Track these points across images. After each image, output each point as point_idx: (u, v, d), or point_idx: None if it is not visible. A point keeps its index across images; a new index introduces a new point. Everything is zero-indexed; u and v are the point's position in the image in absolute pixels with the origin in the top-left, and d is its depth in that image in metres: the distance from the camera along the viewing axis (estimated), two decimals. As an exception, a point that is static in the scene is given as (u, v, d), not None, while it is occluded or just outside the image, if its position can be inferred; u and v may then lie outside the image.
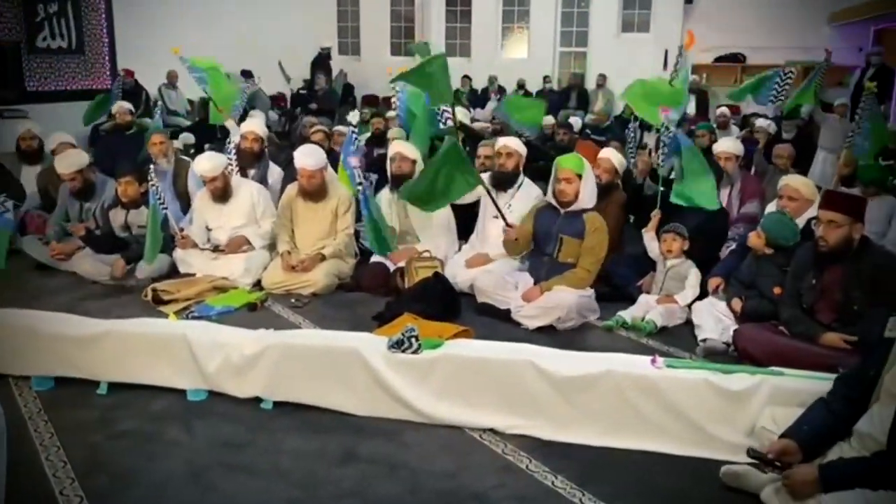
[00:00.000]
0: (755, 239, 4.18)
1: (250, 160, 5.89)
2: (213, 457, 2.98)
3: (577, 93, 14.24)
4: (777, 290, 3.95)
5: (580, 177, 4.47)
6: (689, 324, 4.44)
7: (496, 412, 3.15)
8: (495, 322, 4.43)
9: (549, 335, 4.25)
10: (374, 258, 5.17)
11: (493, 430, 3.14)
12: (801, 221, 4.29)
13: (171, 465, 2.92)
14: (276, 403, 3.37)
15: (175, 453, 3.01)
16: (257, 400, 3.40)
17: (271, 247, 5.31)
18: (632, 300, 4.68)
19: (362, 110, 11.62)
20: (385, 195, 5.40)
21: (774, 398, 2.94)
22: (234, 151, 5.88)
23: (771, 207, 4.70)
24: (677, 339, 4.28)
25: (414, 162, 5.31)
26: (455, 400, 3.19)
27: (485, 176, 5.30)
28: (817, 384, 2.88)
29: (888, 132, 6.71)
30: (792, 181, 4.46)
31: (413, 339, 3.24)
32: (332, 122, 11.02)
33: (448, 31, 16.38)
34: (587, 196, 4.50)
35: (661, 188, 5.15)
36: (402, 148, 5.36)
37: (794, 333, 3.71)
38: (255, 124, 6.15)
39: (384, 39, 16.75)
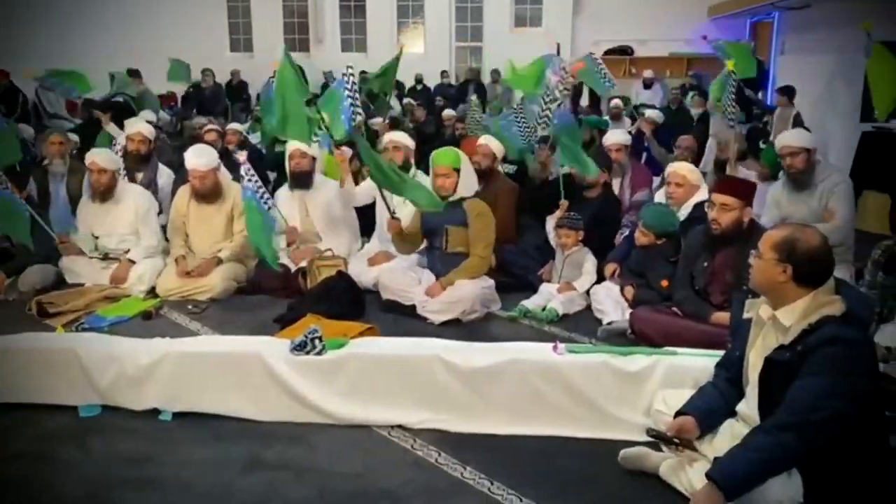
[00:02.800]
0: (641, 237, 4.35)
1: (138, 162, 5.64)
2: (112, 474, 2.85)
3: (474, 87, 14.39)
4: (664, 283, 4.12)
5: (457, 170, 4.51)
6: (589, 309, 4.57)
7: (404, 408, 3.15)
8: (401, 318, 4.42)
9: (455, 328, 4.27)
10: (275, 259, 5.05)
11: (401, 427, 3.13)
12: (688, 206, 4.49)
13: (68, 486, 2.78)
14: (175, 414, 3.25)
15: (72, 473, 2.86)
16: (155, 412, 3.27)
17: (166, 252, 5.11)
18: (533, 289, 4.77)
19: (256, 108, 11.37)
20: (284, 193, 5.28)
21: (669, 377, 3.06)
22: (120, 154, 5.62)
23: (660, 193, 4.89)
24: (579, 325, 4.40)
25: (313, 159, 5.23)
26: (362, 399, 3.16)
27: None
28: (709, 361, 3.00)
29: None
30: (678, 168, 4.65)
31: (316, 341, 3.19)
32: (226, 120, 10.74)
33: (343, 26, 16.22)
34: (464, 186, 4.55)
35: (564, 177, 5.29)
36: (300, 145, 5.25)
37: (687, 314, 3.88)
38: (142, 125, 5.89)
39: (277, 35, 16.40)
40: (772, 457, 2.25)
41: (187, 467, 2.89)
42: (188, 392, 3.26)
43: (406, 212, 4.80)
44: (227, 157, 6.34)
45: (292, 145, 5.23)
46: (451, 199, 4.50)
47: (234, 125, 8.02)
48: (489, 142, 5.57)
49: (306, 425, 3.16)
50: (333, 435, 3.10)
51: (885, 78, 5.46)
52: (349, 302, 4.40)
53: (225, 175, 5.14)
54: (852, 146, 7.56)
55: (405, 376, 3.15)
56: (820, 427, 2.23)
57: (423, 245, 4.81)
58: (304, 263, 4.87)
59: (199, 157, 4.84)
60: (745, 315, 2.61)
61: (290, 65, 4.61)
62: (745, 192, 3.75)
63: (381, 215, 5.23)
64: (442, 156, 4.58)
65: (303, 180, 5.11)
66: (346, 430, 3.13)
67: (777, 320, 2.43)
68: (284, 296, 4.72)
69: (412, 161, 5.30)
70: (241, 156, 4.81)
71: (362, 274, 4.83)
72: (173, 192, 5.37)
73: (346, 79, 5.23)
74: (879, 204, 6.39)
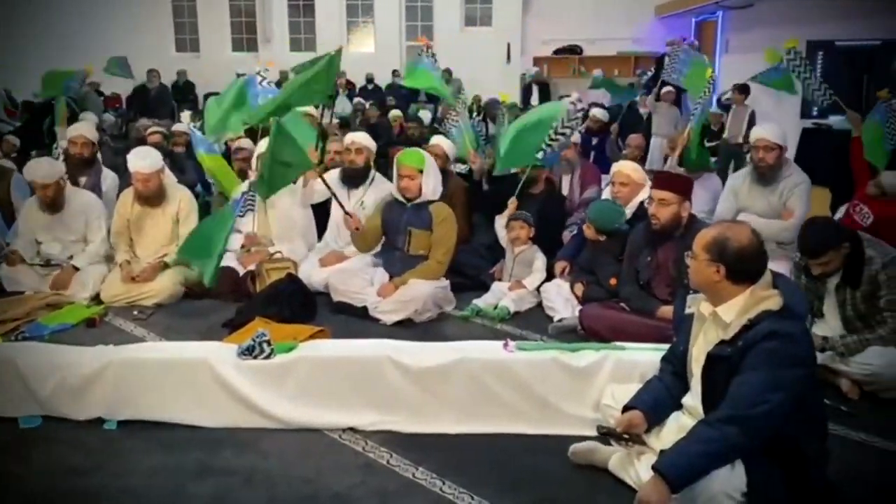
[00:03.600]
0: (587, 230, 4.40)
1: (81, 166, 5.49)
2: (56, 487, 2.77)
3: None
4: (613, 282, 4.18)
5: (421, 171, 4.50)
6: (540, 307, 4.61)
7: (355, 411, 3.13)
8: (353, 320, 4.39)
9: (407, 329, 4.26)
10: (223, 262, 4.96)
11: (352, 429, 3.11)
12: (633, 204, 4.56)
13: (9, 501, 2.70)
14: (120, 423, 3.17)
15: (12, 487, 2.77)
16: (100, 421, 3.18)
17: (109, 258, 4.99)
18: (486, 288, 4.80)
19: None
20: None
21: (617, 371, 3.11)
22: (62, 157, 5.47)
23: (606, 192, 4.95)
24: (530, 323, 4.43)
25: None
26: (312, 402, 3.14)
27: (335, 172, 5.26)
28: (656, 355, 3.05)
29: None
30: (623, 167, 4.71)
31: (265, 344, 3.15)
32: (172, 121, 10.54)
33: (291, 25, 16.08)
34: (430, 189, 4.54)
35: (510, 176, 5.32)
36: (247, 146, 5.18)
37: (634, 309, 3.95)
38: (84, 128, 5.74)
39: (224, 35, 16.20)
40: (716, 449, 2.29)
41: (134, 477, 2.82)
42: (133, 400, 3.18)
43: (367, 210, 4.78)
44: (172, 159, 6.23)
45: (258, 149, 5.15)
46: (417, 201, 4.49)
47: (179, 126, 7.89)
48: (441, 142, 5.58)
49: (256, 430, 3.11)
50: (284, 439, 3.06)
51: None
52: (299, 305, 4.36)
53: (170, 177, 5.03)
54: (794, 142, 7.77)
55: (355, 378, 3.13)
56: (762, 420, 2.28)
57: (380, 245, 4.80)
58: (252, 266, 4.80)
59: (142, 160, 4.73)
60: (687, 311, 2.67)
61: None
62: (682, 187, 3.83)
63: (335, 216, 5.20)
64: (407, 157, 4.55)
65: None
66: (297, 434, 3.09)
67: (717, 316, 2.48)
68: (233, 299, 4.66)
69: (372, 162, 5.27)
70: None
71: (313, 276, 4.79)
72: (117, 196, 5.25)
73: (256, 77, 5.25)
74: (821, 198, 6.55)
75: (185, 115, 5.98)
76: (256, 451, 3.00)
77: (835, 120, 6.87)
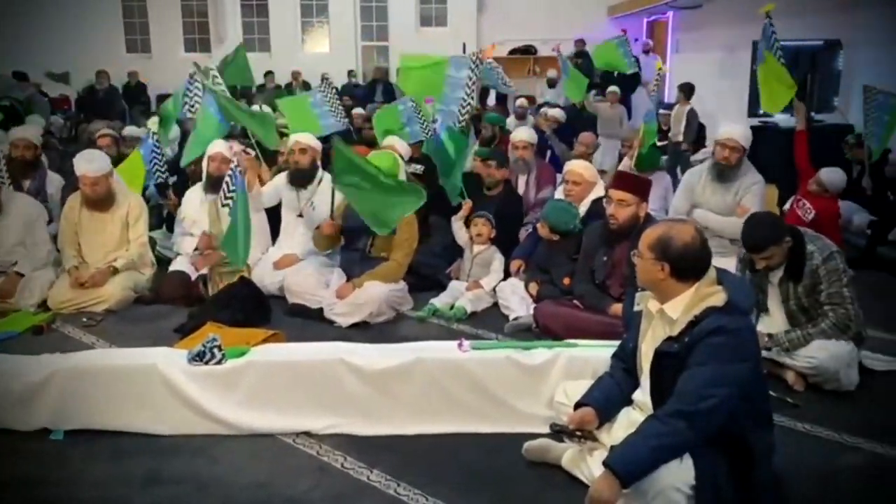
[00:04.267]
0: (541, 228, 4.44)
1: (24, 170, 5.35)
2: (2, 499, 2.70)
3: (382, 86, 14.34)
4: (566, 281, 4.22)
5: (394, 175, 4.49)
6: (496, 306, 4.63)
7: (309, 414, 3.11)
8: (308, 322, 4.36)
9: (363, 330, 4.25)
10: (173, 266, 4.90)
11: (306, 433, 3.09)
12: (586, 203, 4.60)
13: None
14: (68, 433, 3.10)
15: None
16: (46, 431, 3.11)
17: (57, 263, 4.87)
18: (443, 288, 4.80)
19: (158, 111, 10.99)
20: (197, 195, 5.09)
21: (570, 368, 3.13)
22: (3, 161, 5.31)
23: (559, 191, 5.00)
24: (486, 322, 4.45)
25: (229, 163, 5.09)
26: (265, 407, 3.10)
27: (284, 174, 5.22)
28: (607, 352, 3.08)
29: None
30: (574, 166, 4.76)
31: (216, 350, 3.11)
32: (123, 123, 10.34)
33: (245, 25, 15.89)
34: None
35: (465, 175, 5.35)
36: (221, 148, 5.10)
37: (588, 306, 3.99)
38: (27, 130, 5.59)
39: (176, 35, 15.94)
40: (665, 444, 2.33)
41: (82, 487, 2.77)
42: (81, 409, 3.11)
43: (320, 212, 4.76)
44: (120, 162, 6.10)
45: (213, 148, 5.08)
46: None
47: (131, 129, 7.74)
48: (394, 142, 5.57)
49: (208, 437, 3.07)
50: (236, 445, 3.03)
51: (773, 82, 5.73)
52: (253, 308, 4.31)
53: (118, 181, 4.93)
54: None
55: (308, 382, 3.11)
56: (709, 414, 2.32)
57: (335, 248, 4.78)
58: (205, 270, 4.73)
59: (89, 163, 4.62)
60: (636, 308, 2.70)
61: None
62: (640, 188, 3.89)
63: (286, 218, 5.15)
64: (378, 160, 4.53)
65: (217, 184, 4.96)
66: (249, 439, 3.06)
67: (664, 313, 2.51)
68: (185, 304, 4.58)
69: (318, 163, 5.23)
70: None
71: (266, 278, 4.75)
72: (63, 200, 5.13)
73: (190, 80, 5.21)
74: (768, 194, 6.71)
75: (153, 121, 5.87)
76: (209, 457, 2.96)
77: (781, 118, 7.03)
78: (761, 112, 7.14)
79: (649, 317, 2.64)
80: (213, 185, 4.93)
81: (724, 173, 4.72)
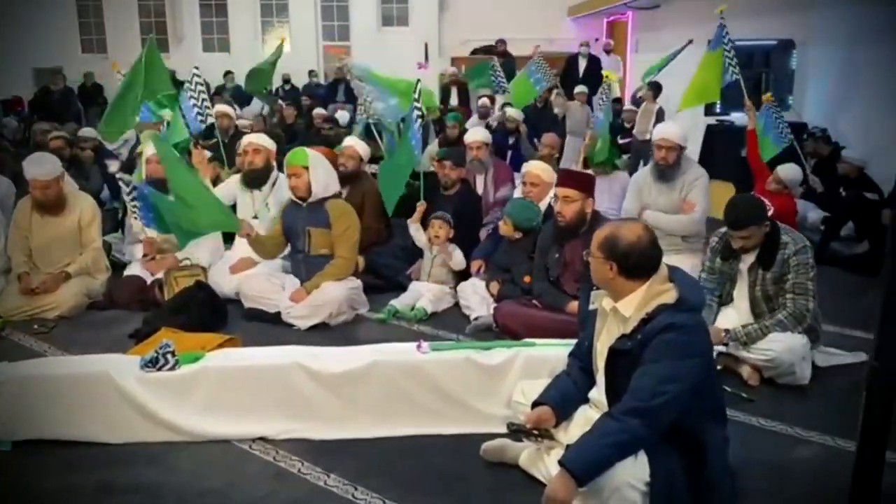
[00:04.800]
0: (503, 226, 4.44)
1: (-29, 173, 5.21)
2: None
3: (344, 86, 14.25)
4: (527, 279, 4.23)
5: (306, 168, 4.39)
6: (457, 306, 4.63)
7: (265, 420, 3.06)
8: (266, 326, 4.32)
9: (322, 333, 4.22)
10: (129, 271, 4.81)
11: (263, 439, 3.04)
12: (544, 204, 4.62)
13: None
14: (16, 443, 3.01)
15: None
16: (-6, 443, 3.03)
17: (7, 269, 4.74)
18: (403, 289, 4.78)
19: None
20: None
21: (529, 368, 3.14)
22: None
23: (518, 192, 5.01)
24: (447, 323, 4.45)
25: None
26: (220, 413, 3.05)
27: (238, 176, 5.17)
28: (565, 351, 3.08)
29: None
30: (532, 167, 4.78)
31: (169, 356, 3.05)
32: (79, 125, 10.14)
33: (204, 25, 15.69)
34: (321, 186, 4.42)
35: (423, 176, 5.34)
36: (151, 150, 5.02)
37: (545, 305, 4.01)
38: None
39: (133, 35, 15.65)
40: (619, 441, 2.34)
41: (31, 500, 2.69)
42: (30, 418, 3.02)
43: (272, 212, 4.69)
44: (76, 166, 5.99)
45: (149, 150, 4.99)
46: (311, 200, 4.42)
47: (86, 130, 7.58)
48: (354, 143, 5.54)
49: (162, 445, 3.01)
50: (191, 452, 2.97)
51: (701, 82, 5.86)
52: (209, 313, 4.25)
53: (71, 185, 4.82)
54: (698, 139, 8.05)
55: (264, 386, 3.07)
56: (661, 410, 2.34)
57: (287, 250, 4.72)
58: (160, 274, 4.65)
59: (38, 167, 4.51)
60: (591, 307, 2.72)
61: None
62: (585, 184, 3.93)
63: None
64: (292, 156, 4.48)
65: (162, 186, 4.88)
66: (205, 446, 3.01)
67: (618, 311, 2.53)
68: (140, 309, 4.50)
69: (273, 163, 5.18)
70: (114, 165, 4.57)
71: (223, 282, 4.68)
72: (15, 204, 5.00)
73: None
74: (724, 192, 6.81)
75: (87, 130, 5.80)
76: (163, 465, 2.90)
77: (736, 116, 7.15)
78: (718, 110, 7.24)
79: (604, 315, 2.66)
80: (156, 187, 4.87)
81: (665, 173, 4.82)
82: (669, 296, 2.45)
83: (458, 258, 4.75)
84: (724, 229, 3.69)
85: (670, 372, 2.35)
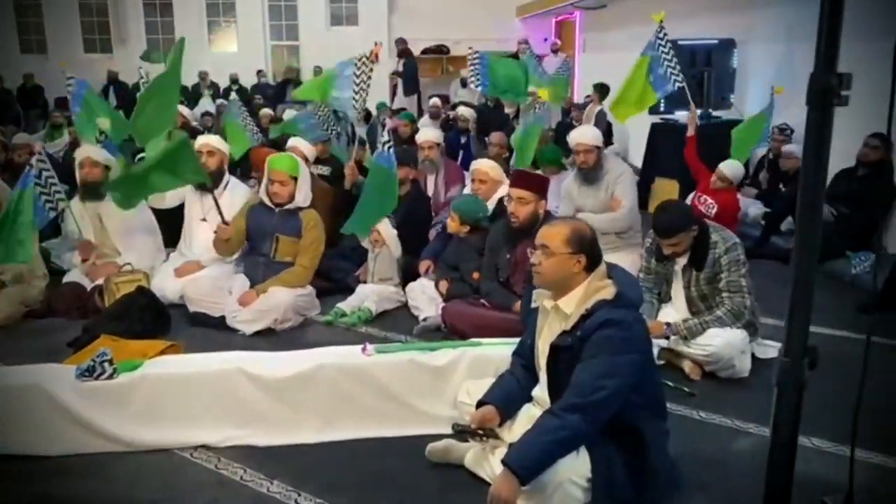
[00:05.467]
0: (451, 222, 4.45)
1: None
2: None
3: (293, 86, 14.11)
4: (475, 276, 4.24)
5: (295, 179, 4.40)
6: (406, 307, 4.62)
7: (207, 427, 3.01)
8: (211, 332, 4.24)
9: (268, 338, 4.16)
10: (68, 277, 4.68)
11: (205, 446, 2.99)
12: (493, 200, 4.64)
13: None
14: (-55, 460, 2.92)
15: None
16: (-80, 460, 2.91)
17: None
18: (352, 291, 4.75)
19: (54, 113, 10.54)
20: (75, 206, 4.86)
21: (474, 368, 3.14)
22: None
23: (467, 190, 5.03)
24: (396, 324, 4.44)
25: (107, 168, 4.89)
26: (160, 421, 2.99)
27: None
28: (510, 350, 3.09)
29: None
30: (481, 165, 4.81)
31: (106, 364, 2.98)
32: (18, 128, 9.86)
33: (148, 25, 15.38)
34: (302, 196, 4.45)
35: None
36: (91, 152, 4.89)
37: (494, 305, 4.03)
38: None
39: (75, 35, 15.27)
40: (560, 438, 2.36)
41: (-40, 517, 2.61)
42: (-41, 433, 2.93)
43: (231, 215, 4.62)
44: (8, 170, 5.82)
45: (82, 153, 4.86)
46: (286, 207, 4.38)
47: (21, 136, 7.33)
48: (299, 143, 5.49)
49: (100, 455, 2.93)
50: (130, 462, 2.91)
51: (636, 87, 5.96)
52: (151, 319, 4.16)
53: (3, 188, 4.67)
54: (643, 137, 8.19)
55: (206, 393, 3.01)
56: (602, 405, 2.37)
57: (239, 253, 4.66)
58: (100, 281, 4.54)
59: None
60: (533, 305, 2.74)
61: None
62: (539, 185, 3.96)
63: (189, 223, 5.00)
64: (278, 162, 4.43)
65: (94, 191, 4.76)
66: (145, 455, 2.94)
67: (559, 308, 2.56)
68: (80, 316, 4.38)
69: (226, 166, 5.10)
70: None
71: (166, 287, 4.58)
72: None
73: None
74: (669, 189, 6.95)
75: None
76: (102, 476, 2.83)
77: (680, 115, 7.26)
78: (662, 109, 7.36)
79: (545, 313, 2.68)
80: (89, 191, 4.77)
81: (588, 175, 4.96)
82: (608, 292, 2.48)
83: (393, 244, 4.75)
84: None
85: (609, 367, 2.38)
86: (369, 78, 5.38)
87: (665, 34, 5.85)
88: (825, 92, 1.23)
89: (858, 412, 1.57)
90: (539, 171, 6.16)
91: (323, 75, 6.07)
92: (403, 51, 13.15)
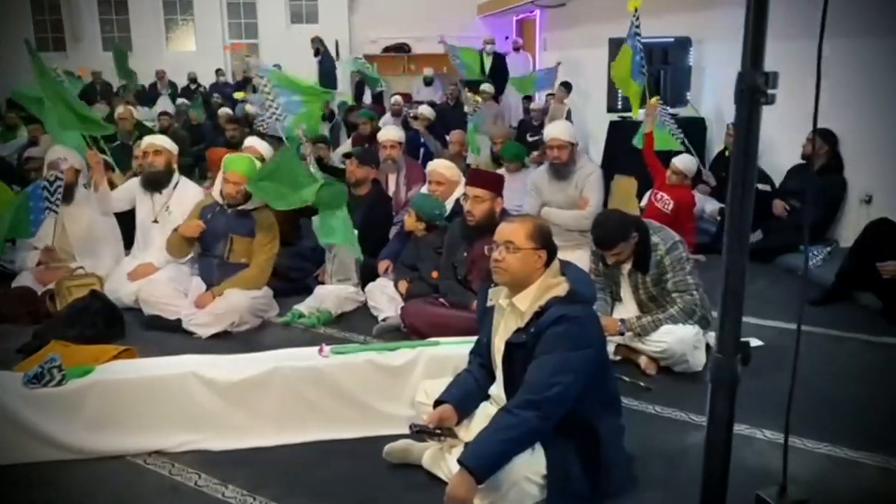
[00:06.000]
0: (409, 220, 4.44)
1: None
2: None
3: (252, 86, 13.95)
4: (434, 274, 4.23)
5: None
6: (365, 307, 4.59)
7: (161, 433, 2.96)
8: (166, 335, 4.17)
9: (225, 340, 4.12)
10: (17, 282, 4.57)
11: (159, 452, 2.94)
12: (451, 201, 4.64)
13: None
14: None
15: None
16: None
17: None
18: (311, 292, 4.71)
19: (8, 114, 10.28)
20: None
21: (432, 367, 3.14)
22: None
23: (424, 190, 5.02)
24: (355, 324, 4.41)
25: (77, 171, 4.82)
26: (113, 428, 2.93)
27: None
28: (468, 348, 3.08)
29: None
30: (436, 166, 4.82)
31: (55, 370, 2.91)
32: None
33: (103, 23, 15.08)
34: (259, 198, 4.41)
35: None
36: (63, 153, 4.79)
37: (452, 304, 4.03)
38: None
39: (27, 34, 14.87)
40: (515, 435, 2.37)
41: None
42: None
43: (175, 218, 4.58)
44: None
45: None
46: (240, 207, 4.34)
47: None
48: (255, 143, 5.43)
49: (51, 464, 2.86)
50: (81, 471, 2.84)
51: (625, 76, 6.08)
52: (104, 323, 4.08)
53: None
54: (602, 135, 8.26)
55: (159, 398, 2.96)
56: (556, 401, 2.39)
57: (192, 255, 4.59)
58: (52, 285, 4.44)
59: None
60: (489, 303, 2.75)
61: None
62: (494, 184, 3.98)
63: (141, 225, 4.91)
64: (233, 163, 4.37)
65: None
66: (97, 463, 2.88)
67: (514, 306, 2.57)
68: (30, 322, 4.27)
69: (174, 165, 5.02)
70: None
71: (121, 290, 4.50)
72: None
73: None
74: (627, 186, 7.02)
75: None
76: (52, 485, 2.77)
77: (639, 112, 7.34)
78: (619, 107, 7.44)
79: (500, 311, 2.69)
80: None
81: (559, 170, 5.00)
82: (561, 289, 2.50)
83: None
84: None
85: (563, 363, 2.40)
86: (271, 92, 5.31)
87: (639, 23, 6.00)
88: (752, 90, 1.26)
89: (791, 402, 1.60)
90: (502, 168, 6.23)
91: None
92: (317, 50, 13.10)
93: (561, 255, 4.28)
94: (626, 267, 3.71)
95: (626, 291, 3.78)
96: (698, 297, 3.63)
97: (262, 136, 6.29)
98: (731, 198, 1.40)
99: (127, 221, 5.04)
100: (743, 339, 1.35)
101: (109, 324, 4.12)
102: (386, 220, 5.34)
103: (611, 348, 3.75)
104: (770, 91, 1.24)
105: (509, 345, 2.55)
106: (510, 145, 6.57)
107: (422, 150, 8.49)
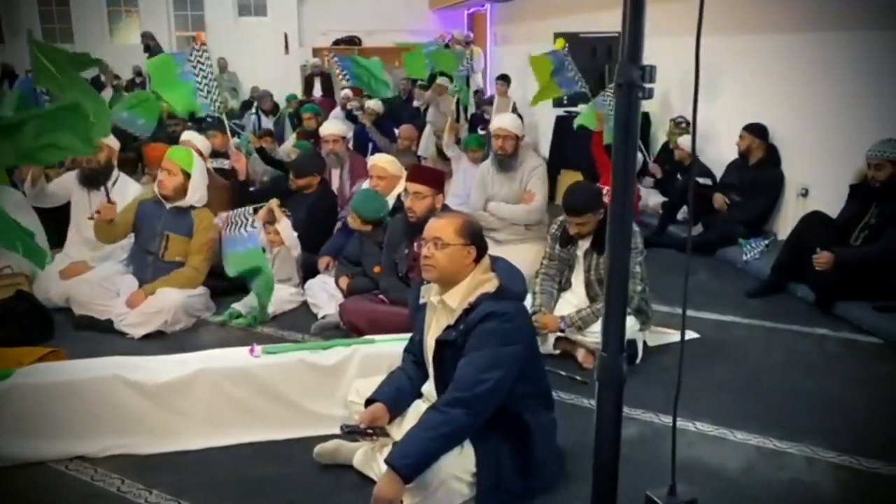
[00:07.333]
0: (351, 220, 4.39)
1: None
2: None
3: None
4: (377, 269, 4.19)
5: (187, 174, 4.26)
6: (305, 305, 4.53)
7: (83, 438, 2.86)
8: (97, 336, 4.06)
9: (158, 341, 4.02)
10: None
11: (81, 458, 2.85)
12: (393, 196, 4.60)
13: None
14: None
15: None
16: None
17: None
18: (248, 291, 4.60)
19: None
20: None
21: (366, 365, 3.10)
22: None
23: (365, 185, 4.97)
24: (294, 323, 4.35)
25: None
26: (32, 434, 2.82)
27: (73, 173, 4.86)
28: (402, 346, 3.07)
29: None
30: (378, 161, 4.78)
31: (-29, 375, 2.80)
32: None
33: (43, 14, 14.60)
34: (198, 194, 4.33)
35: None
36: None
37: (393, 300, 3.99)
38: None
39: (-39, 25, 14.39)
40: (444, 433, 2.35)
41: None
42: None
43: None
44: None
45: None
46: (178, 204, 4.24)
47: None
48: (192, 138, 5.31)
49: (-33, 473, 2.77)
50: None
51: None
52: (31, 324, 3.95)
53: None
54: (549, 129, 8.30)
55: (82, 402, 2.86)
56: (485, 398, 2.37)
57: (124, 256, 4.47)
58: (-24, 286, 4.28)
59: None
60: (421, 301, 2.72)
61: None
62: (435, 180, 3.94)
63: (76, 220, 4.77)
64: (174, 152, 4.31)
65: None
66: (15, 470, 2.77)
67: (445, 303, 2.54)
68: (-48, 324, 4.11)
69: (115, 162, 4.88)
70: None
71: (51, 290, 4.37)
72: None
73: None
74: (572, 181, 7.05)
75: None
76: (-33, 496, 2.67)
77: (584, 108, 7.38)
78: (565, 102, 7.47)
79: (432, 308, 2.66)
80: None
81: (504, 162, 4.98)
82: (491, 285, 2.49)
83: (292, 243, 4.65)
84: (563, 217, 3.81)
85: (492, 359, 2.38)
86: (209, 67, 5.20)
87: (569, 53, 6.22)
88: (629, 85, 1.25)
89: (679, 393, 1.59)
90: (448, 161, 6.23)
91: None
92: (147, 46, 12.90)
93: (507, 249, 4.32)
94: (584, 246, 3.77)
95: (578, 273, 3.83)
96: (640, 287, 3.67)
97: (200, 129, 6.16)
98: (613, 191, 1.39)
99: (56, 219, 4.88)
100: (629, 338, 1.35)
101: (37, 325, 4.00)
102: (330, 217, 5.26)
103: (550, 342, 3.77)
104: (647, 85, 1.24)
105: (440, 342, 2.53)
106: (471, 138, 6.56)
107: (370, 145, 8.42)
